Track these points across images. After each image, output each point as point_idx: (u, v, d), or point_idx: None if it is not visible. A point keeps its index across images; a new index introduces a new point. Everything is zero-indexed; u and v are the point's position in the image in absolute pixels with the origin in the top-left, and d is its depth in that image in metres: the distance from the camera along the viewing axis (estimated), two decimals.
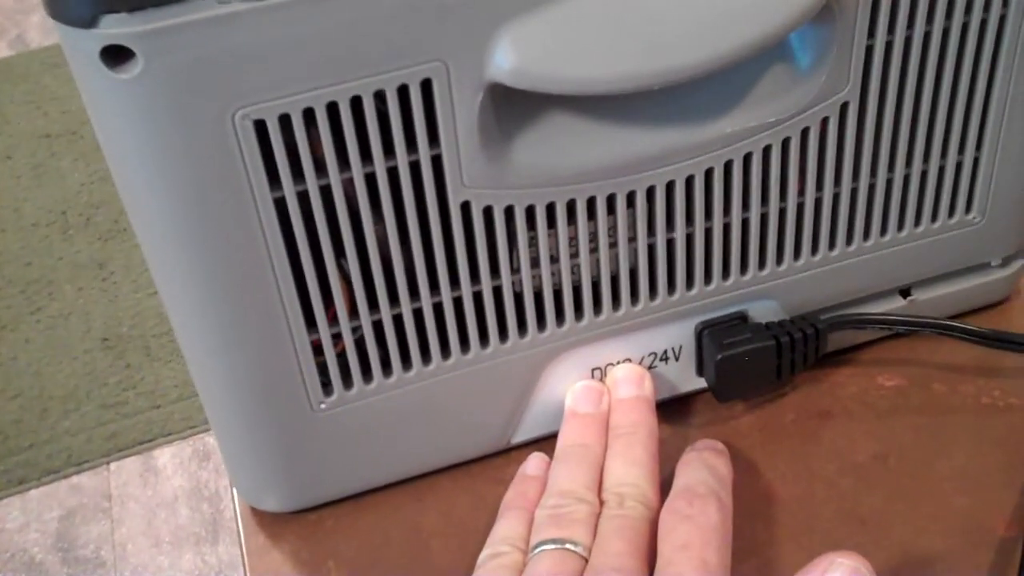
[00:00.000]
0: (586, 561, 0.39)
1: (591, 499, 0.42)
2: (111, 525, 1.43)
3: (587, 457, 0.44)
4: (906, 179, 0.46)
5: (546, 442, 0.48)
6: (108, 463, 1.49)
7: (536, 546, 0.40)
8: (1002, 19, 0.43)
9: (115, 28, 0.33)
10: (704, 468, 0.42)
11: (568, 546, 0.40)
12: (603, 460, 0.44)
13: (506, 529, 0.42)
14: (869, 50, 0.42)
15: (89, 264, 1.78)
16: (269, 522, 0.47)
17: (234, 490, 0.48)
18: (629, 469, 0.43)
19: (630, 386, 0.46)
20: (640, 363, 0.47)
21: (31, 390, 1.58)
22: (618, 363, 0.47)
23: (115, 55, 0.34)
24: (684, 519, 0.39)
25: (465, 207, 0.40)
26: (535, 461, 0.46)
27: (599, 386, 0.47)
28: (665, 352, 0.47)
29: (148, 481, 1.47)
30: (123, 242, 1.81)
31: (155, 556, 1.39)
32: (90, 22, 0.33)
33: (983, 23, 0.43)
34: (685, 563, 0.38)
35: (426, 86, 0.37)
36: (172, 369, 1.58)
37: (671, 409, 0.49)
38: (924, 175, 0.46)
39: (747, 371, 0.47)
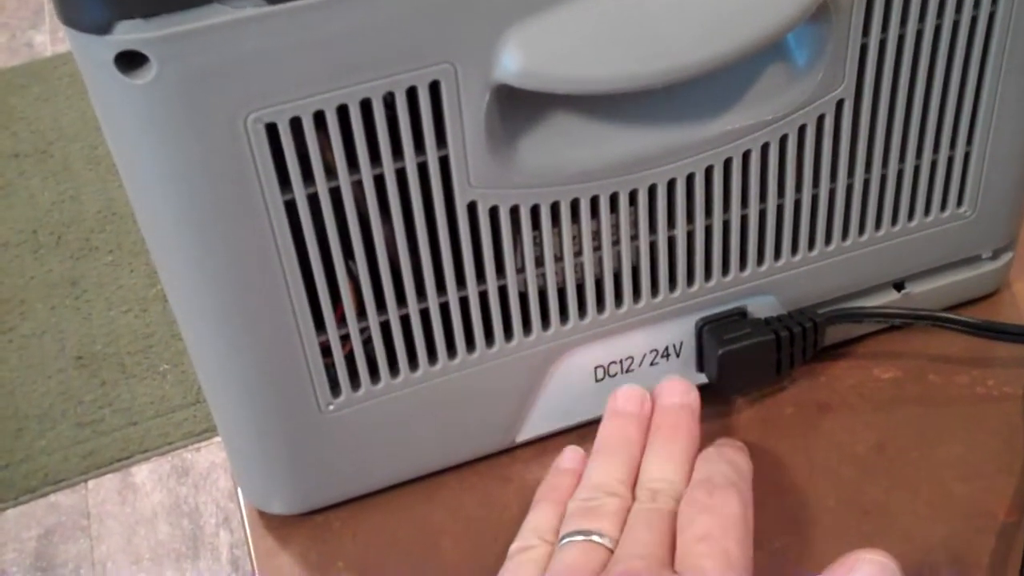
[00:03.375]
0: (611, 553, 0.39)
1: (623, 493, 0.42)
2: (90, 543, 1.42)
3: (624, 452, 0.44)
4: (900, 174, 0.47)
5: (551, 440, 0.48)
6: (86, 481, 1.48)
7: (563, 537, 0.40)
8: (991, 16, 0.44)
9: (129, 34, 0.34)
10: (724, 461, 0.42)
11: (594, 538, 0.40)
12: (640, 457, 0.44)
13: (536, 520, 0.42)
14: (864, 48, 0.43)
15: (61, 283, 1.77)
16: (277, 525, 0.47)
17: (240, 493, 0.48)
18: (665, 466, 0.43)
19: (676, 395, 0.46)
20: (642, 360, 0.48)
21: (6, 410, 1.57)
22: (620, 361, 0.47)
23: (129, 61, 0.34)
24: (704, 509, 0.39)
25: (471, 207, 0.41)
26: (570, 454, 0.46)
27: (641, 390, 0.46)
28: (667, 348, 0.48)
29: (126, 498, 1.46)
30: (95, 260, 1.80)
31: (135, 574, 1.39)
32: (104, 29, 0.34)
33: (973, 20, 0.44)
34: (705, 554, 0.38)
35: (434, 88, 0.38)
36: (148, 386, 1.58)
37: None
38: (917, 170, 0.47)
39: (747, 366, 0.48)
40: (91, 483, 1.48)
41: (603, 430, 0.45)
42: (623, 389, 0.46)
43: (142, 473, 1.49)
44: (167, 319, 1.66)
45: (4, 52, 2.30)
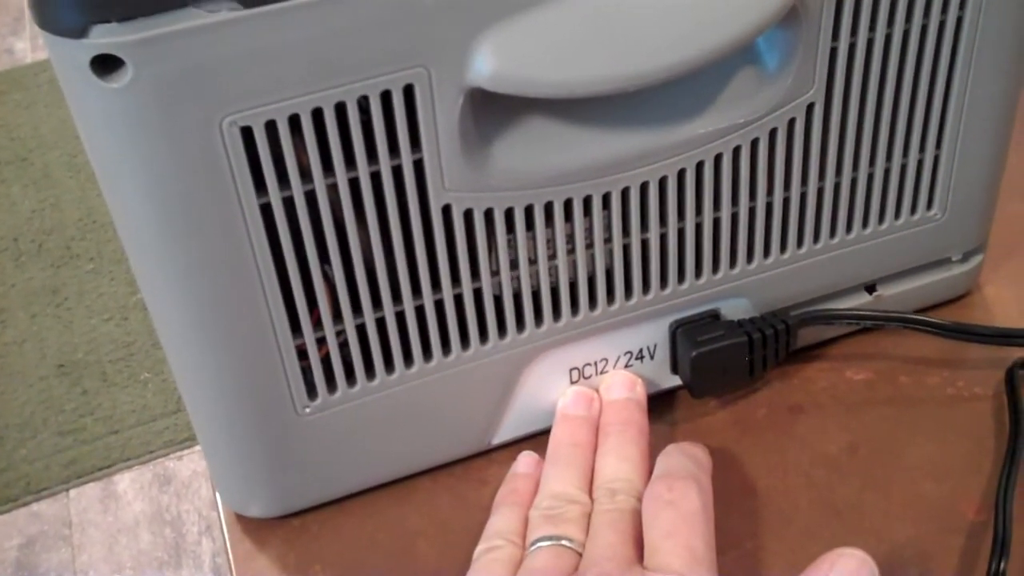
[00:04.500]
0: (580, 556, 0.40)
1: (583, 499, 0.43)
2: (72, 552, 1.41)
3: (577, 457, 0.45)
4: (870, 177, 0.48)
5: (526, 442, 0.49)
6: (67, 490, 1.48)
7: (532, 543, 0.41)
8: (959, 21, 0.45)
9: (105, 38, 0.34)
10: (683, 455, 0.43)
11: (563, 542, 0.40)
12: (593, 459, 0.45)
13: (500, 523, 0.43)
14: (833, 52, 0.43)
15: (42, 291, 1.77)
16: (255, 528, 0.47)
17: (218, 497, 0.48)
18: (620, 465, 0.44)
19: (621, 389, 0.47)
20: (616, 362, 0.48)
21: None
22: (595, 363, 0.48)
23: (105, 64, 0.34)
24: (666, 505, 0.40)
25: (446, 210, 0.41)
26: (525, 459, 0.47)
27: (590, 391, 0.48)
28: (640, 351, 0.48)
29: (108, 507, 1.46)
30: (76, 268, 1.80)
31: None
32: (80, 32, 0.34)
33: (941, 25, 0.45)
34: (671, 551, 0.38)
35: (408, 92, 0.38)
36: (129, 394, 1.58)
37: (647, 406, 0.50)
38: (887, 173, 0.48)
39: (720, 368, 0.48)
40: (73, 492, 1.47)
41: (554, 435, 0.46)
42: (571, 391, 0.47)
43: (124, 482, 1.48)
44: (148, 327, 1.66)
45: None
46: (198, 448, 1.47)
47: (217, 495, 0.48)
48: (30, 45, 2.36)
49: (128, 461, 1.50)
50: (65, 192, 1.96)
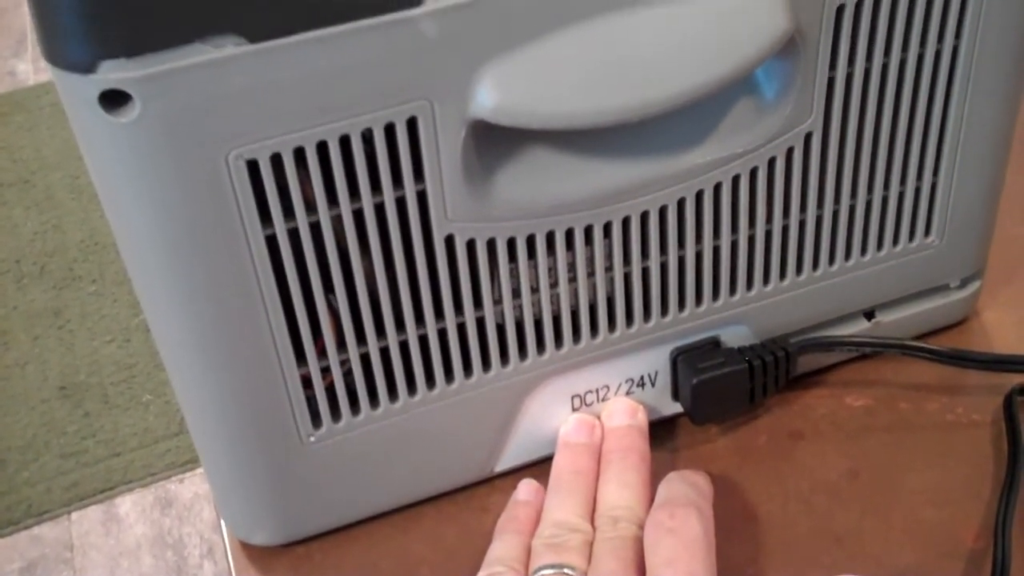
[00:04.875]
0: None
1: (585, 528, 0.43)
2: (73, 575, 1.41)
3: (579, 485, 0.45)
4: (868, 205, 0.48)
5: (529, 469, 0.49)
6: (69, 513, 1.48)
7: (535, 571, 0.41)
8: (955, 50, 0.45)
9: (113, 73, 0.34)
10: (684, 483, 0.43)
11: (566, 570, 0.41)
12: (595, 487, 0.45)
13: (500, 550, 0.43)
14: (831, 82, 0.44)
15: (44, 313, 1.77)
16: (259, 556, 0.48)
17: (223, 524, 0.48)
18: (622, 492, 0.44)
19: (623, 416, 0.48)
20: (617, 389, 0.49)
21: None
22: (597, 390, 0.48)
23: (113, 99, 0.35)
24: (667, 532, 0.40)
25: (449, 240, 0.41)
26: (525, 487, 0.47)
27: (591, 419, 0.48)
28: (642, 378, 0.49)
29: (110, 530, 1.46)
30: (78, 290, 1.80)
31: None
32: (89, 68, 0.34)
33: (937, 54, 0.45)
34: None
35: (412, 124, 0.39)
36: (131, 416, 1.58)
37: (648, 433, 0.50)
38: (885, 201, 0.48)
39: (721, 395, 0.49)
40: (74, 515, 1.48)
41: (557, 463, 0.47)
42: (573, 418, 0.48)
43: (125, 504, 1.48)
44: (150, 349, 1.66)
45: None
46: (200, 471, 1.47)
47: (222, 522, 0.48)
48: (32, 67, 2.37)
49: (130, 484, 1.50)
50: (67, 214, 1.96)
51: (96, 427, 1.57)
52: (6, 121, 2.20)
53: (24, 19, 2.43)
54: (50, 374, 1.66)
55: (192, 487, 1.49)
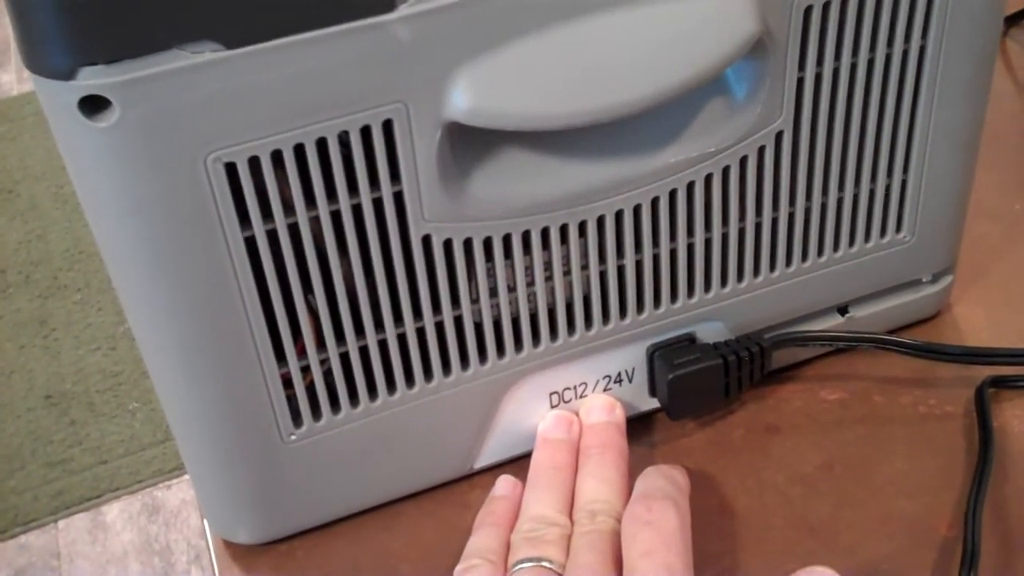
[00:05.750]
0: None
1: (563, 522, 0.44)
2: None
3: (558, 480, 0.46)
4: (840, 202, 0.49)
5: (508, 466, 0.50)
6: (56, 521, 1.48)
7: (514, 565, 0.42)
8: (922, 49, 0.46)
9: (92, 79, 0.35)
10: (661, 477, 0.44)
11: (544, 563, 0.41)
12: (574, 482, 0.46)
13: (478, 543, 0.44)
14: (800, 81, 0.45)
15: (29, 322, 1.77)
16: (242, 555, 0.48)
17: (206, 524, 0.49)
18: (599, 487, 0.45)
19: (601, 413, 0.49)
20: (595, 386, 0.49)
21: None
22: (575, 387, 0.49)
23: (92, 105, 0.36)
24: (644, 525, 0.41)
25: (426, 240, 0.42)
26: (503, 483, 0.48)
27: (570, 415, 0.49)
28: (619, 374, 0.50)
29: (97, 537, 1.46)
30: (63, 299, 1.81)
31: None
32: (68, 74, 0.35)
33: (905, 53, 0.46)
34: (650, 570, 0.39)
35: (387, 127, 0.39)
36: (117, 424, 1.58)
37: (626, 429, 0.51)
38: (856, 198, 0.49)
39: (697, 390, 0.49)
40: (61, 523, 1.48)
41: (535, 459, 0.47)
42: (552, 415, 0.48)
43: (112, 512, 1.49)
44: (136, 357, 1.67)
45: None
46: (187, 477, 1.47)
47: (205, 522, 0.49)
48: (16, 77, 2.37)
49: (117, 491, 1.50)
50: (52, 223, 1.96)
51: (82, 435, 1.57)
52: None
53: (6, 29, 2.43)
54: (36, 383, 1.66)
55: (179, 494, 1.50)
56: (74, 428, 1.59)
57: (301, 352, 0.43)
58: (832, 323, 0.53)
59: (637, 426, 0.51)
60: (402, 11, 0.37)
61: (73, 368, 1.68)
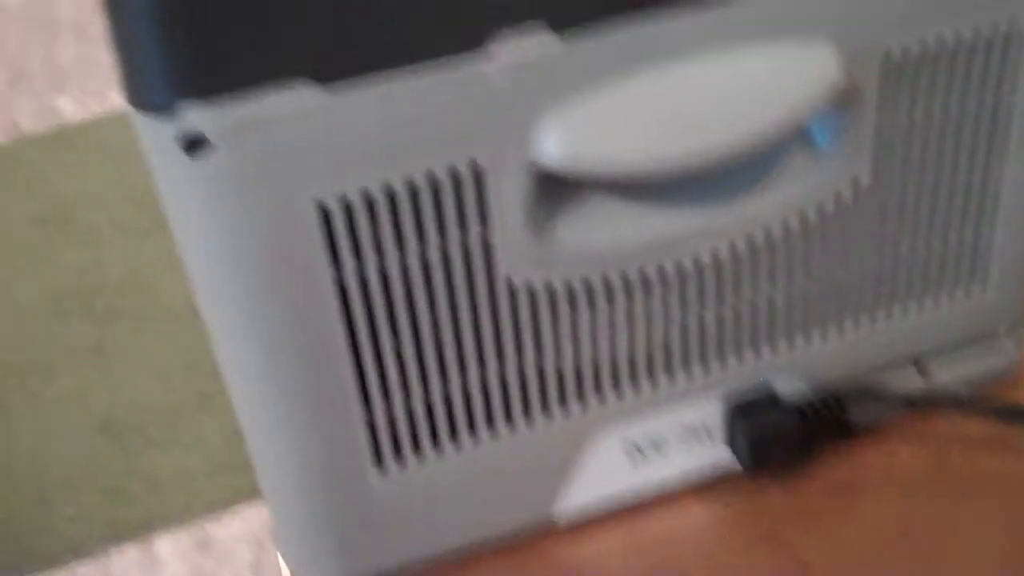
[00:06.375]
0: None
1: None
2: None
3: None
4: (919, 254, 0.48)
5: (587, 519, 0.49)
6: (107, 551, 1.48)
7: None
8: (1009, 104, 0.46)
9: (193, 116, 0.35)
10: None
11: None
12: None
13: None
14: (884, 132, 0.44)
15: (85, 349, 1.79)
16: None
17: (281, 559, 0.49)
18: None
19: None
20: (673, 439, 0.49)
21: (28, 477, 1.58)
22: (652, 438, 0.49)
23: (192, 143, 0.36)
24: None
25: (511, 286, 0.42)
26: None
27: None
28: (696, 426, 0.49)
29: (148, 569, 1.46)
30: (120, 327, 1.82)
31: None
32: (170, 111, 0.35)
33: (992, 107, 0.46)
34: None
35: (477, 171, 0.39)
36: (172, 455, 1.59)
37: (701, 485, 0.50)
38: (936, 250, 0.49)
39: (775, 446, 0.49)
40: (113, 553, 1.48)
41: None
42: None
43: (164, 544, 1.49)
44: (191, 387, 1.68)
45: (30, 118, 2.34)
46: (239, 511, 1.48)
47: (279, 557, 0.49)
48: (76, 104, 2.40)
49: (168, 523, 1.50)
50: (110, 251, 1.98)
51: (136, 465, 1.58)
52: (50, 158, 2.23)
53: (68, 56, 2.47)
54: (91, 411, 1.67)
55: (231, 528, 1.50)
56: (128, 458, 1.60)
57: (386, 395, 0.43)
58: (911, 378, 0.52)
59: (712, 483, 0.50)
60: (497, 56, 0.37)
61: (128, 397, 1.69)
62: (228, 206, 0.37)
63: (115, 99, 2.02)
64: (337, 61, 0.36)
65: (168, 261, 1.90)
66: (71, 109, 2.37)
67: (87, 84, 2.21)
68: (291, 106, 0.36)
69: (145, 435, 1.62)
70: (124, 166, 2.00)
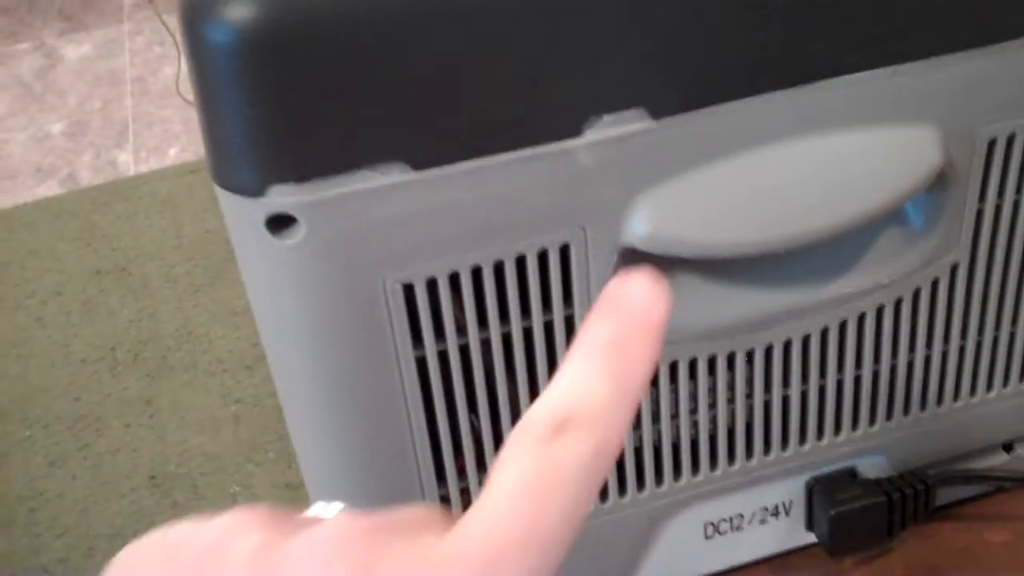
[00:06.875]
0: None
1: None
2: None
3: None
4: (1011, 336, 0.47)
5: None
6: None
7: None
8: None
9: (281, 197, 0.35)
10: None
11: None
12: None
13: None
14: (979, 213, 0.44)
15: (136, 401, 1.79)
16: None
17: None
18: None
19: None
20: (751, 518, 0.48)
21: (77, 528, 1.58)
22: (730, 519, 0.48)
23: (279, 223, 0.35)
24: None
25: None
26: None
27: None
28: (776, 507, 0.48)
29: None
30: (170, 379, 1.82)
31: None
32: (258, 192, 0.35)
33: None
34: None
35: (564, 251, 0.39)
36: (220, 508, 1.58)
37: (780, 563, 0.49)
38: None
39: (858, 526, 0.48)
40: None
41: None
42: None
43: None
44: (239, 440, 1.67)
45: (89, 170, 2.36)
46: None
47: None
48: (133, 158, 2.42)
49: None
50: (162, 303, 1.99)
51: (184, 517, 1.58)
52: (106, 210, 2.24)
53: (126, 111, 2.50)
54: (140, 463, 1.67)
55: None
56: (176, 510, 1.59)
57: (461, 471, 0.42)
58: (997, 460, 0.51)
59: (793, 560, 0.49)
60: (588, 137, 0.37)
61: (177, 450, 1.69)
62: (312, 285, 0.37)
63: (173, 154, 2.04)
64: (433, 147, 0.35)
65: (219, 314, 1.91)
66: (129, 163, 2.39)
67: (147, 140, 2.24)
68: (380, 187, 0.35)
69: (194, 488, 1.61)
70: (179, 219, 2.02)
